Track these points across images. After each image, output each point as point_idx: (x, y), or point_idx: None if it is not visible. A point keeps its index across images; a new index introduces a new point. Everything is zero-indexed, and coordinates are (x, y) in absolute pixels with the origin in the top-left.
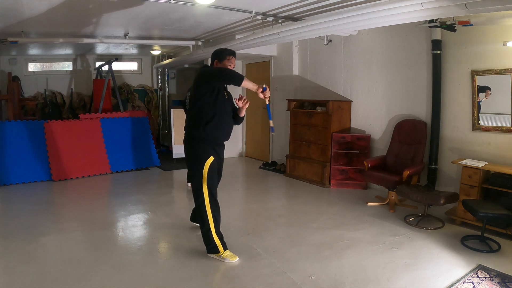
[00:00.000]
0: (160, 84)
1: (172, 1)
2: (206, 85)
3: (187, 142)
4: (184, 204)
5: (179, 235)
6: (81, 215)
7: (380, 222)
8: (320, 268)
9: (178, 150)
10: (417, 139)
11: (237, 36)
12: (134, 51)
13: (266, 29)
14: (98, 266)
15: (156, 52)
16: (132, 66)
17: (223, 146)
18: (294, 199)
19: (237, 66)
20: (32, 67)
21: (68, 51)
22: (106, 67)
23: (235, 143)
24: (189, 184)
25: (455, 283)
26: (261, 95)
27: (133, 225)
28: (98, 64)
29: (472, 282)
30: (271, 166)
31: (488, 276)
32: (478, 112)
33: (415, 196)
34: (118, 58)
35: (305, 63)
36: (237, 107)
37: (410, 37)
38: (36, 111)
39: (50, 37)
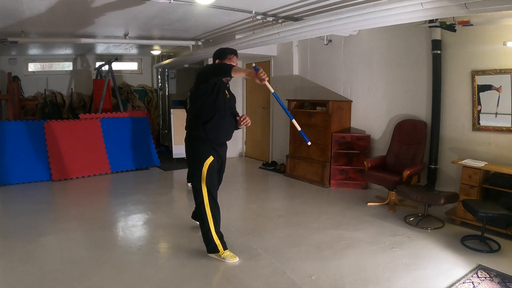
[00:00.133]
0: (160, 84)
1: (172, 1)
2: (205, 83)
3: (188, 141)
4: (184, 204)
5: (179, 235)
6: (81, 215)
7: (380, 222)
8: (320, 268)
9: (178, 150)
10: (417, 139)
11: (237, 36)
12: (134, 51)
13: (266, 29)
14: (98, 266)
15: (156, 52)
16: (132, 66)
17: (225, 146)
18: (294, 199)
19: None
20: (32, 67)
21: (68, 51)
22: (106, 67)
23: (235, 143)
24: (189, 184)
25: (455, 283)
26: (257, 80)
27: (133, 225)
28: (98, 64)
29: (472, 282)
30: (271, 166)
31: (488, 276)
32: (478, 113)
33: (415, 196)
34: (118, 58)
35: (305, 63)
36: (237, 119)
37: (410, 37)
38: (36, 111)
39: (50, 37)
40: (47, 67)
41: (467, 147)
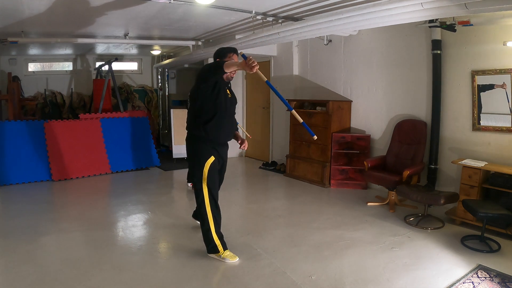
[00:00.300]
0: (160, 84)
1: (172, 1)
2: (204, 83)
3: (189, 141)
4: (184, 204)
5: (179, 235)
6: (81, 215)
7: (380, 222)
8: (320, 268)
9: (178, 150)
10: (417, 139)
11: (237, 36)
12: (134, 51)
13: (266, 29)
14: (98, 266)
15: (156, 52)
16: (132, 66)
17: (226, 146)
18: (294, 199)
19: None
20: (32, 67)
21: (68, 51)
22: (106, 67)
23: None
24: (189, 184)
25: (455, 283)
26: (247, 69)
27: (133, 225)
28: (98, 64)
29: (472, 282)
30: (271, 166)
31: (488, 276)
32: (479, 112)
33: (415, 196)
34: (118, 58)
35: (305, 63)
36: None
37: (410, 37)
38: (36, 111)
39: (50, 37)
40: (47, 67)
41: (467, 147)
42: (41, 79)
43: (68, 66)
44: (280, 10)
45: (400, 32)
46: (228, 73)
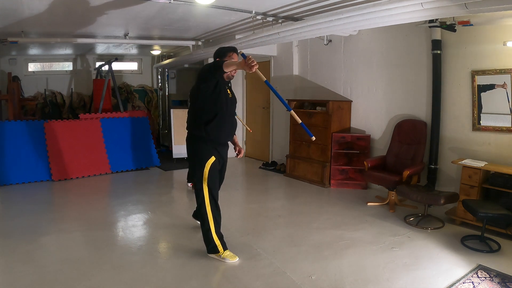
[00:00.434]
0: (160, 84)
1: (172, 0)
2: (204, 83)
3: (189, 141)
4: (184, 204)
5: (179, 235)
6: (81, 215)
7: (380, 222)
8: (320, 268)
9: (178, 150)
10: (417, 139)
11: (237, 36)
12: (134, 51)
13: (266, 29)
14: (98, 266)
15: (156, 52)
16: (132, 66)
17: (227, 146)
18: (294, 199)
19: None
20: (32, 67)
21: (68, 51)
22: (106, 67)
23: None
24: (189, 184)
25: (455, 283)
26: (247, 68)
27: (133, 225)
28: (98, 64)
29: (472, 282)
30: (271, 166)
31: (488, 276)
32: (479, 112)
33: (415, 196)
34: (118, 58)
35: (305, 63)
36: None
37: (410, 37)
38: (36, 111)
39: (50, 37)
40: (47, 67)
41: (467, 147)
42: (41, 79)
43: (68, 66)
44: (280, 10)
45: (400, 32)
46: (229, 72)
